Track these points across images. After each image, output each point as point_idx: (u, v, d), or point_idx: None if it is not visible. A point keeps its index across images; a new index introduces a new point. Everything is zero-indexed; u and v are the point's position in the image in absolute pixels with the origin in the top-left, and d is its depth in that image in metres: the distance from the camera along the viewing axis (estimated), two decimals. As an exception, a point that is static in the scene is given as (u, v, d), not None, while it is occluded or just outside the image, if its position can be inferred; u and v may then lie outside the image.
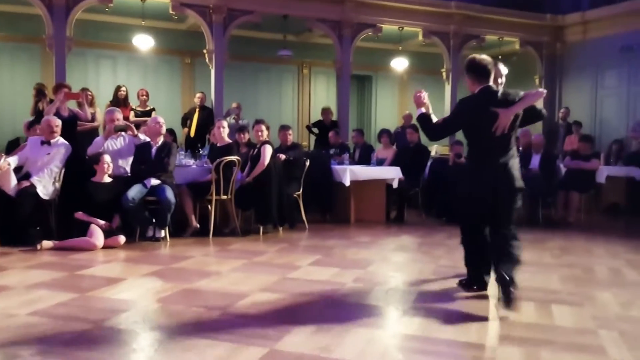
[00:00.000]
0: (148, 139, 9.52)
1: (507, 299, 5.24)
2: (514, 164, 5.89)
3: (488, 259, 5.99)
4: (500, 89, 6.04)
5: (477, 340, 4.60)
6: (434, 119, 6.22)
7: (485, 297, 5.98)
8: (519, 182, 5.91)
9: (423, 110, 6.20)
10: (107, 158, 8.84)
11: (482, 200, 5.93)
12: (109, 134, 9.39)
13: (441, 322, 5.03)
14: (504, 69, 6.66)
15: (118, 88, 13.35)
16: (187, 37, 16.46)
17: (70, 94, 10.37)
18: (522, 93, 5.89)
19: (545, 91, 6.29)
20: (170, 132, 13.14)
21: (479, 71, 5.92)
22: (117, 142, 9.51)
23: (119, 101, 12.99)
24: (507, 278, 5.32)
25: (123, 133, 9.49)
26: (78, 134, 10.31)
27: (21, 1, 13.23)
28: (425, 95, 6.23)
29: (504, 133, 5.75)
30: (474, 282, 6.21)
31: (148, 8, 13.83)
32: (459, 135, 14.10)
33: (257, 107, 17.05)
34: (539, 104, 6.30)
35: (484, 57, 5.99)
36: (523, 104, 5.80)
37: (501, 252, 5.66)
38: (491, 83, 5.96)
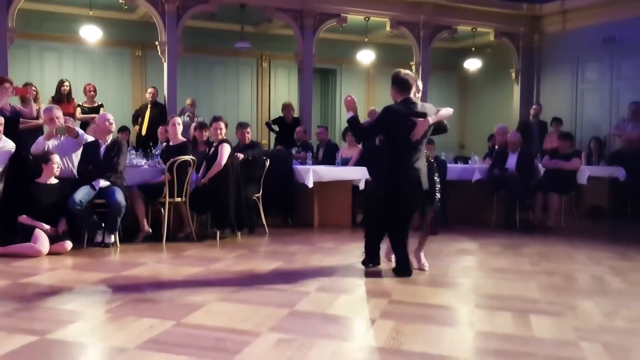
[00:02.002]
0: (91, 138, 9.49)
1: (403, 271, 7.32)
2: (422, 167, 7.36)
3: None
4: (419, 102, 7.45)
5: (451, 353, 4.61)
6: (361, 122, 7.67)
7: (459, 307, 6.04)
8: (425, 185, 7.35)
9: (353, 113, 7.50)
10: (56, 158, 8.79)
11: (392, 197, 7.29)
12: (50, 136, 9.29)
13: (413, 334, 5.02)
14: (421, 85, 7.98)
15: (61, 83, 13.19)
16: (137, 28, 16.40)
17: (18, 89, 10.29)
18: (434, 108, 7.43)
19: (452, 110, 7.76)
20: (125, 130, 13.17)
21: (403, 85, 7.34)
22: (58, 140, 9.42)
23: (62, 97, 12.89)
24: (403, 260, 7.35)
25: (63, 136, 9.39)
26: (21, 132, 10.24)
27: (-43, -10, 13.09)
28: (355, 100, 7.55)
29: (417, 140, 7.20)
30: (370, 261, 7.80)
31: (96, -4, 13.76)
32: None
33: (213, 103, 17.05)
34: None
35: (408, 72, 7.46)
36: (439, 117, 7.39)
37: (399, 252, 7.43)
38: (411, 95, 7.37)
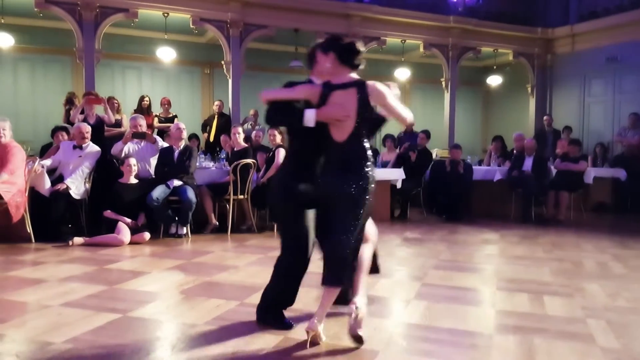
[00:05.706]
0: (167, 144, 9.59)
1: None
2: None
3: None
4: None
5: (475, 328, 4.59)
6: None
7: (482, 289, 5.96)
8: None
9: None
10: (132, 161, 8.87)
11: None
12: (127, 139, 9.41)
13: (442, 312, 5.01)
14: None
15: (142, 98, 13.36)
16: (206, 50, 16.50)
17: (92, 100, 10.34)
18: None
19: None
20: (195, 137, 13.22)
21: None
22: (138, 145, 9.55)
23: (143, 110, 13.01)
24: None
25: (142, 141, 9.50)
26: (107, 138, 10.31)
27: (54, 17, 13.25)
28: None
29: None
30: None
31: (170, 22, 13.81)
32: (460, 139, 14.06)
33: (271, 114, 17.01)
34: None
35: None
36: None
37: None
38: None
